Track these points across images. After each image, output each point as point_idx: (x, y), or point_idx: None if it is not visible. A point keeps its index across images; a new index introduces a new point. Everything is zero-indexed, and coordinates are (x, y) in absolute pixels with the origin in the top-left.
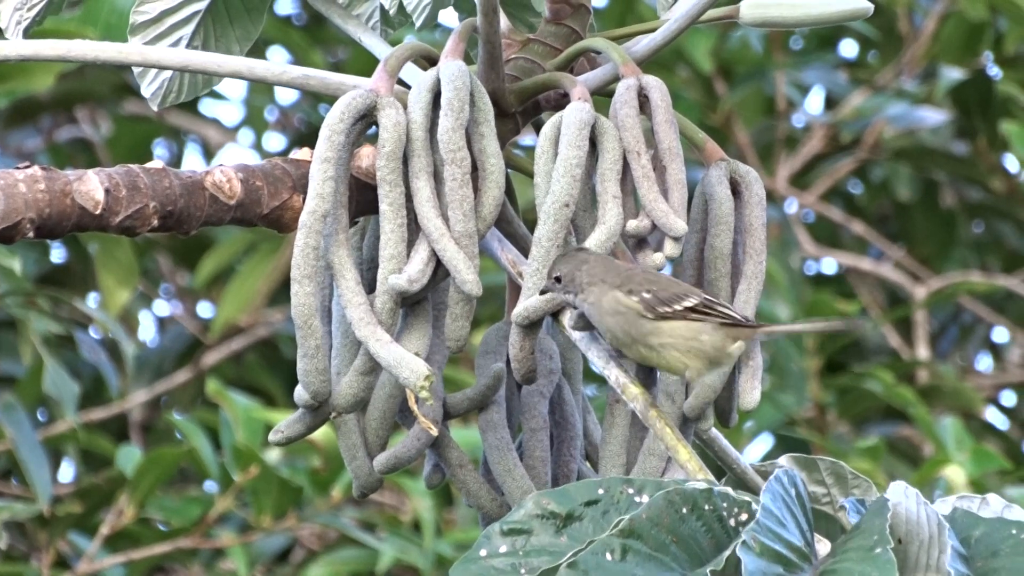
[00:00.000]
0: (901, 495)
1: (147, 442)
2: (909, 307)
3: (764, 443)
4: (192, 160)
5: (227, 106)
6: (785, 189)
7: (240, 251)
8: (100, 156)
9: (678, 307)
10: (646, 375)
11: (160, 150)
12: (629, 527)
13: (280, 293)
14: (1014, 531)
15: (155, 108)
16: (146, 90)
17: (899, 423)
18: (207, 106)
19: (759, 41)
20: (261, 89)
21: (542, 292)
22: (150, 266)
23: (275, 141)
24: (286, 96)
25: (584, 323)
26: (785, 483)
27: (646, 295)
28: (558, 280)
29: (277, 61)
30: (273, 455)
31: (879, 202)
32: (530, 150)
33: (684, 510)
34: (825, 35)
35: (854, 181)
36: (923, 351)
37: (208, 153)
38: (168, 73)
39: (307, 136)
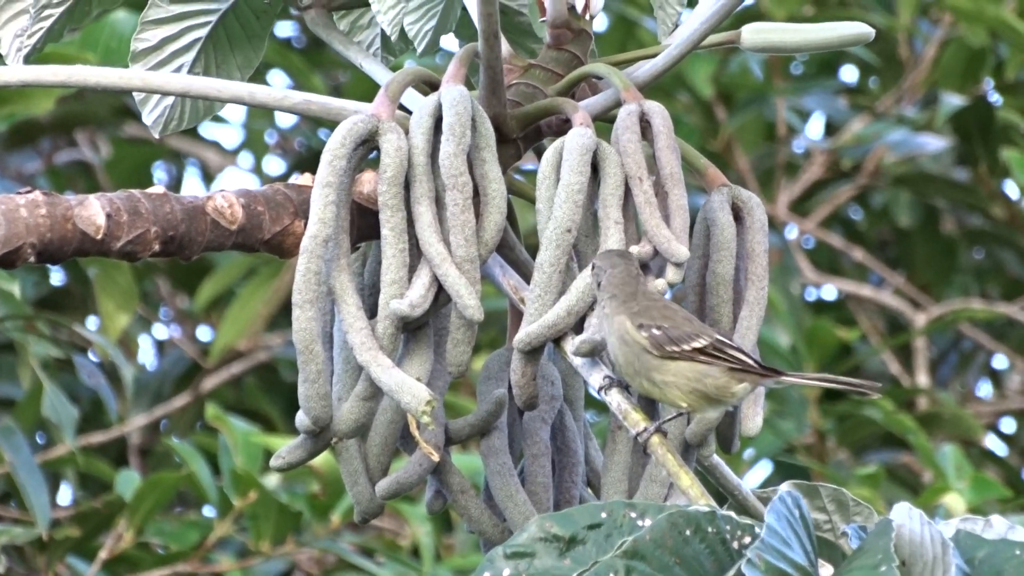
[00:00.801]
0: (905, 516)
1: (146, 466)
2: (909, 334)
3: (763, 470)
4: (192, 183)
5: (227, 129)
6: (785, 215)
7: (240, 275)
8: (99, 179)
9: (686, 347)
10: (648, 401)
11: (160, 173)
12: (633, 548)
13: (280, 317)
14: (1018, 552)
15: (156, 136)
16: (147, 117)
17: (899, 450)
18: (207, 129)
19: (759, 67)
20: (261, 112)
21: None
22: (149, 290)
23: (275, 165)
24: (286, 120)
25: (587, 349)
26: (789, 504)
27: (656, 331)
28: (593, 268)
29: (277, 86)
30: (272, 480)
31: (879, 228)
32: (532, 175)
33: (687, 532)
34: (826, 60)
35: (854, 207)
36: (923, 378)
37: (208, 176)
38: (170, 100)
39: (307, 160)
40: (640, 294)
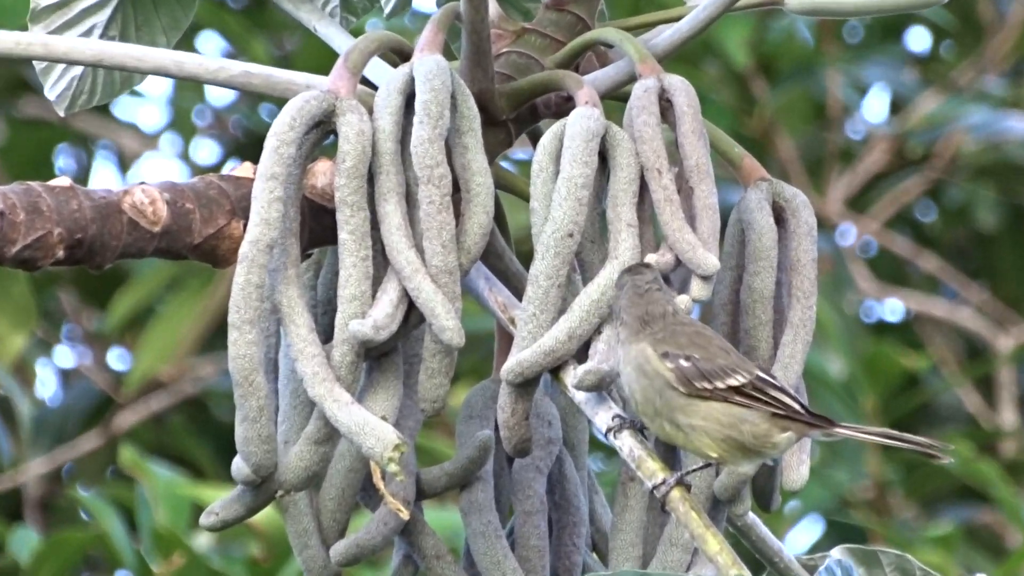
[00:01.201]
0: None
1: (46, 523)
2: (991, 362)
3: (811, 530)
4: (104, 175)
5: (147, 107)
6: (839, 214)
7: (162, 286)
8: None
9: (720, 384)
10: (668, 447)
11: (64, 160)
12: None
13: (213, 339)
14: None
15: (62, 113)
16: (51, 91)
17: (979, 505)
18: (123, 107)
19: (808, 29)
20: (189, 86)
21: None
22: (51, 304)
23: (207, 151)
24: (220, 96)
25: (593, 381)
26: (840, 575)
27: (684, 363)
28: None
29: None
30: (202, 541)
31: (956, 231)
32: (525, 166)
33: None
34: (889, 23)
35: (925, 205)
36: (1009, 416)
37: (123, 164)
38: (78, 70)
39: (247, 145)
40: (666, 315)
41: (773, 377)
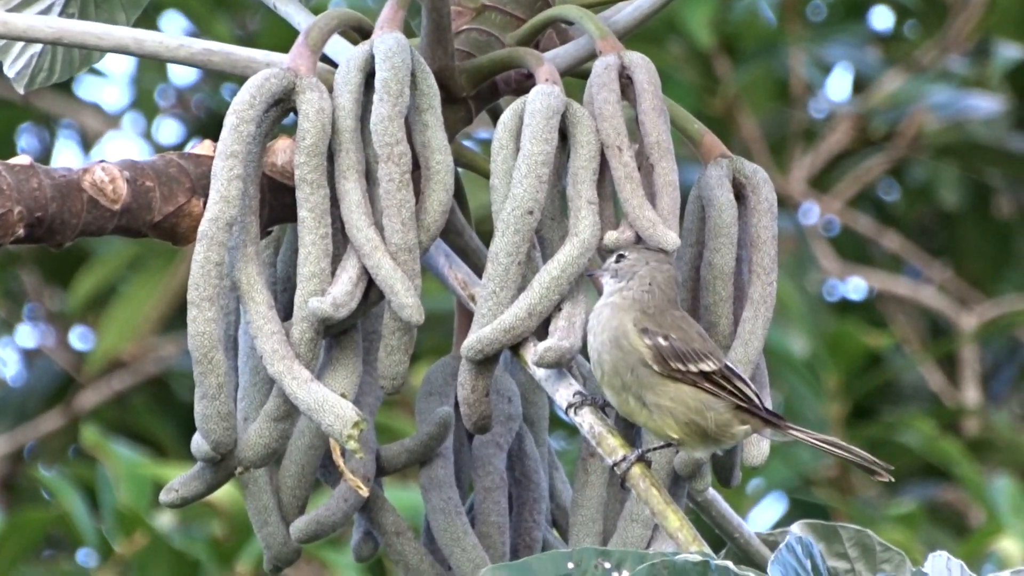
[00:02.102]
0: (943, 567)
1: (7, 503)
2: (954, 340)
3: (774, 508)
4: (66, 155)
5: (109, 86)
6: (802, 193)
7: (124, 266)
8: None
9: (692, 368)
10: (628, 424)
11: (26, 140)
12: None
13: (174, 319)
14: None
15: (21, 91)
16: (9, 68)
17: (941, 483)
18: (85, 86)
19: (771, 9)
20: (151, 66)
21: (607, 249)
22: (12, 284)
23: (169, 130)
24: (182, 74)
25: (553, 358)
26: (799, 552)
27: (662, 342)
28: (619, 259)
29: (171, 33)
30: (164, 520)
31: (919, 210)
32: (486, 144)
33: None
34: (853, 2)
35: (888, 184)
36: (972, 395)
37: (86, 144)
38: (37, 47)
39: (209, 125)
40: (663, 297)
41: (740, 371)
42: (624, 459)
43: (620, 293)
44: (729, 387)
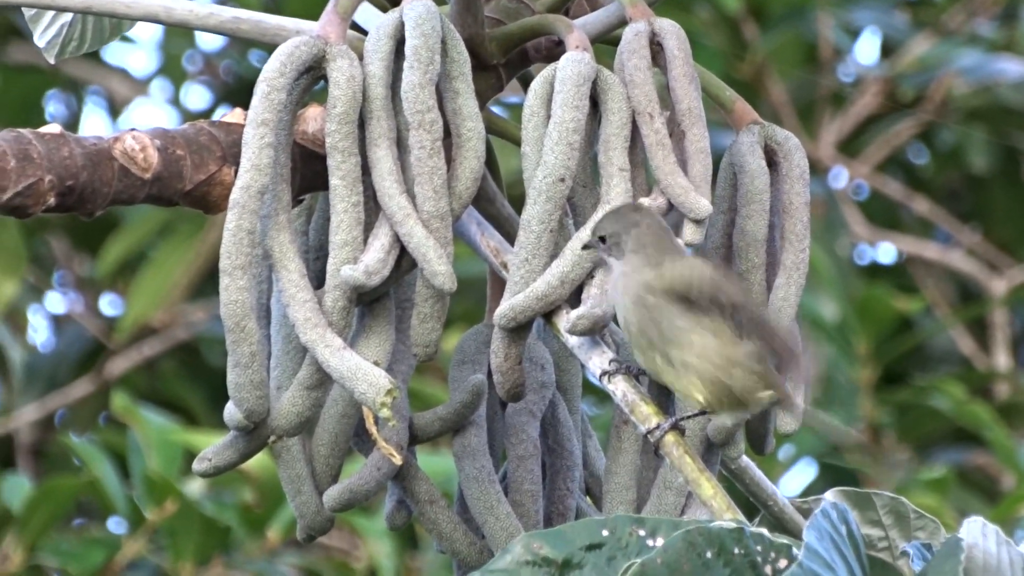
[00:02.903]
0: (978, 533)
1: (38, 470)
2: (985, 304)
3: (805, 474)
4: (94, 121)
5: (137, 52)
6: (831, 158)
7: (154, 232)
8: None
9: (723, 299)
10: (662, 391)
11: (54, 106)
12: (641, 574)
13: (205, 285)
14: None
15: (51, 60)
16: (40, 38)
17: (972, 448)
18: (112, 52)
19: None
20: (179, 32)
21: (584, 247)
22: (42, 251)
23: (197, 96)
24: (210, 40)
25: (587, 326)
26: (834, 519)
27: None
28: (603, 240)
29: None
30: (195, 487)
31: (948, 174)
32: (517, 110)
33: (708, 554)
34: None
35: (917, 148)
36: (1002, 359)
37: (114, 110)
38: (67, 17)
39: (237, 91)
40: (672, 248)
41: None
42: (658, 427)
43: (622, 268)
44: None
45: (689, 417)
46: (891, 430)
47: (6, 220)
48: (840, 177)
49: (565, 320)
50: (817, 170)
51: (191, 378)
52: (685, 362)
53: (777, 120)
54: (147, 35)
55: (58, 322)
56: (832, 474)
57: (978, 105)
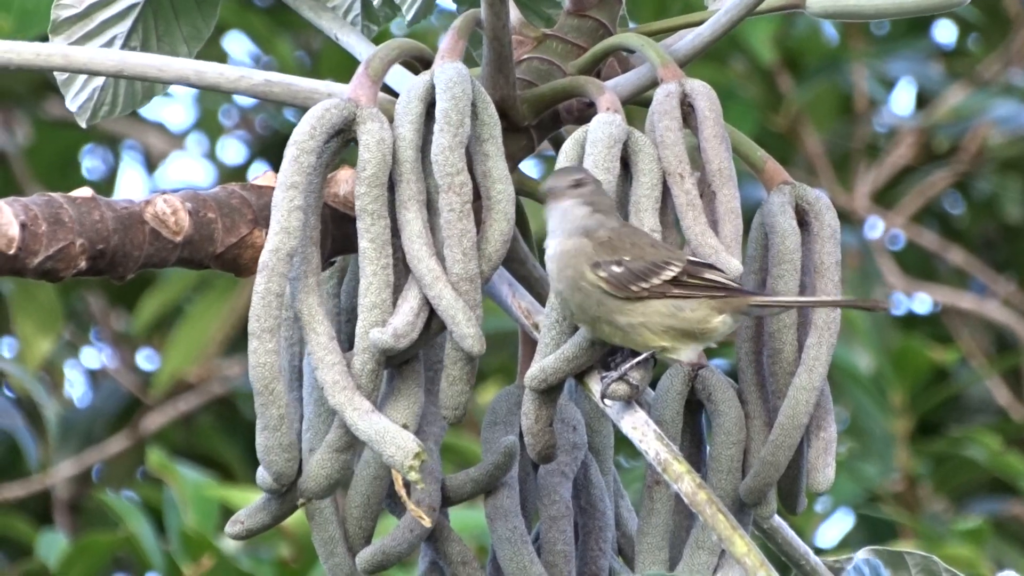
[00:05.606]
0: None
1: (75, 526)
2: (1020, 354)
3: (841, 523)
4: (131, 175)
5: (173, 106)
6: (866, 208)
7: (189, 288)
8: (16, 169)
9: (656, 281)
10: (693, 448)
11: (90, 161)
12: None
13: (241, 340)
14: None
15: (84, 125)
16: (72, 102)
17: (1008, 498)
18: (149, 107)
19: (833, 25)
20: None
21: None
22: (78, 306)
23: (233, 150)
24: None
25: (623, 393)
26: None
27: (616, 269)
28: (578, 185)
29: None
30: (231, 542)
31: (983, 225)
32: (551, 164)
33: None
34: (915, 17)
35: (952, 198)
36: None
37: (150, 164)
38: (100, 81)
39: (272, 145)
40: (605, 224)
41: (701, 257)
42: (606, 377)
43: (572, 233)
44: (699, 282)
45: (639, 362)
46: (927, 481)
47: None
48: (875, 228)
49: (598, 383)
50: (852, 221)
51: (227, 433)
52: (632, 324)
53: (812, 171)
54: (184, 90)
55: (94, 377)
56: (869, 524)
57: (1013, 155)
